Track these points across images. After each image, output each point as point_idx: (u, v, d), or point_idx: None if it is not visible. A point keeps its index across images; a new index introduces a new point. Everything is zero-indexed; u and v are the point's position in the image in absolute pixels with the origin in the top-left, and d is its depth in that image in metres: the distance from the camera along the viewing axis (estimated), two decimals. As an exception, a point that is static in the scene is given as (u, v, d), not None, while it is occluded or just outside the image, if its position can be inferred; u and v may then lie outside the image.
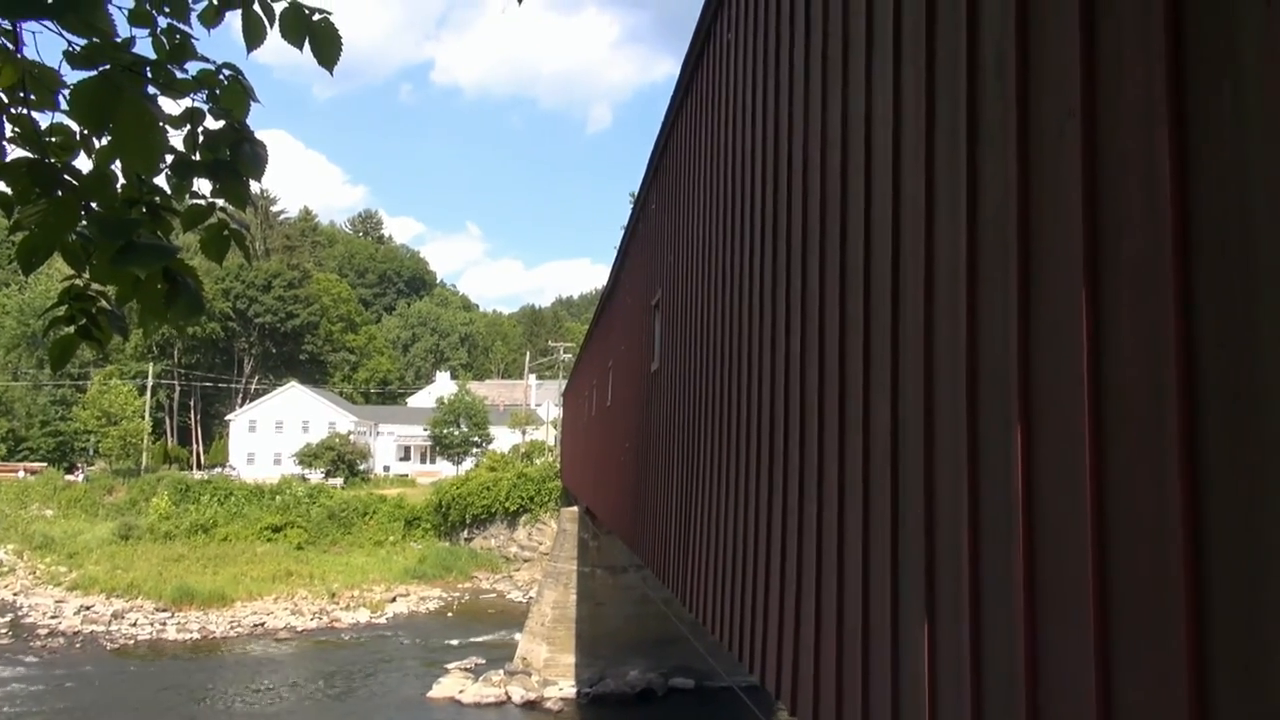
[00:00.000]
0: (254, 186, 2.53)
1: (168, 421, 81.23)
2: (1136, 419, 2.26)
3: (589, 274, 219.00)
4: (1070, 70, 2.55)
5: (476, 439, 69.06)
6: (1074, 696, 2.43)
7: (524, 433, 66.97)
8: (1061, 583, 2.53)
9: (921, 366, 3.51)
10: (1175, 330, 2.10)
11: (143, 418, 66.10)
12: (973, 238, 3.14)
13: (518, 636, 24.67)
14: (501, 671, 22.64)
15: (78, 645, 27.44)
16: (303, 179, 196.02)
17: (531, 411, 73.64)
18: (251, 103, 2.44)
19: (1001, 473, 2.86)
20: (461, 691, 21.56)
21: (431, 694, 21.60)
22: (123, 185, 2.35)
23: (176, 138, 2.33)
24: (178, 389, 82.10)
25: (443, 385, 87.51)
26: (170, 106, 2.36)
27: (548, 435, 62.70)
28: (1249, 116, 1.92)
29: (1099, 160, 2.44)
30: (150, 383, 72.92)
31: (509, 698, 21.30)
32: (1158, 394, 2.16)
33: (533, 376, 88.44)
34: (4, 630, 29.29)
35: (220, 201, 2.38)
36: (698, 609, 8.15)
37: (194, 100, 2.34)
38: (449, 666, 23.60)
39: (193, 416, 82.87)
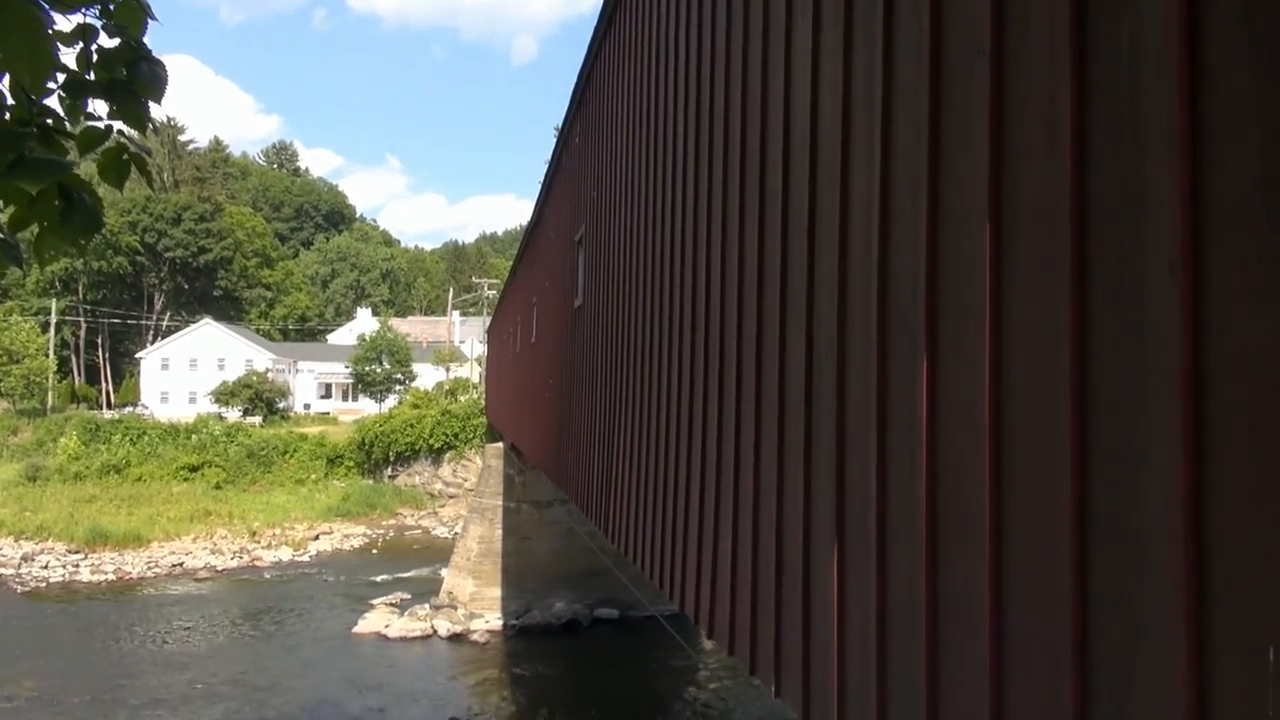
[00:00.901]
0: (157, 112, 2.43)
1: (74, 360, 78.23)
2: (1032, 353, 2.36)
3: (514, 209, 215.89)
4: (980, 10, 2.60)
5: (399, 376, 68.21)
6: (970, 617, 2.57)
7: (448, 370, 66.39)
8: (961, 509, 2.65)
9: (835, 301, 3.59)
10: (1071, 266, 2.19)
11: (47, 356, 63.47)
12: (886, 173, 3.20)
13: (444, 572, 24.77)
14: (427, 606, 22.76)
15: (-14, 589, 26.67)
16: (212, 107, 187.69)
17: (455, 348, 72.93)
18: (149, 21, 2.33)
19: (908, 402, 2.97)
20: (387, 626, 21.63)
21: (357, 629, 21.63)
22: (12, 106, 2.24)
23: (69, 56, 2.22)
24: (84, 326, 78.94)
25: (364, 322, 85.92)
26: (62, 24, 2.25)
27: (472, 372, 62.28)
28: (1145, 55, 1.99)
29: (1005, 99, 2.50)
30: (54, 319, 69.93)
31: (435, 631, 21.45)
32: (1053, 329, 2.26)
33: (456, 313, 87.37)
34: (-95, 575, 28.28)
35: (118, 124, 2.28)
36: (621, 541, 8.30)
37: (86, 16, 2.23)
38: (374, 602, 23.62)
39: (101, 354, 79.94)
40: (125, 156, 2.31)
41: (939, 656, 2.74)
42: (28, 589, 26.70)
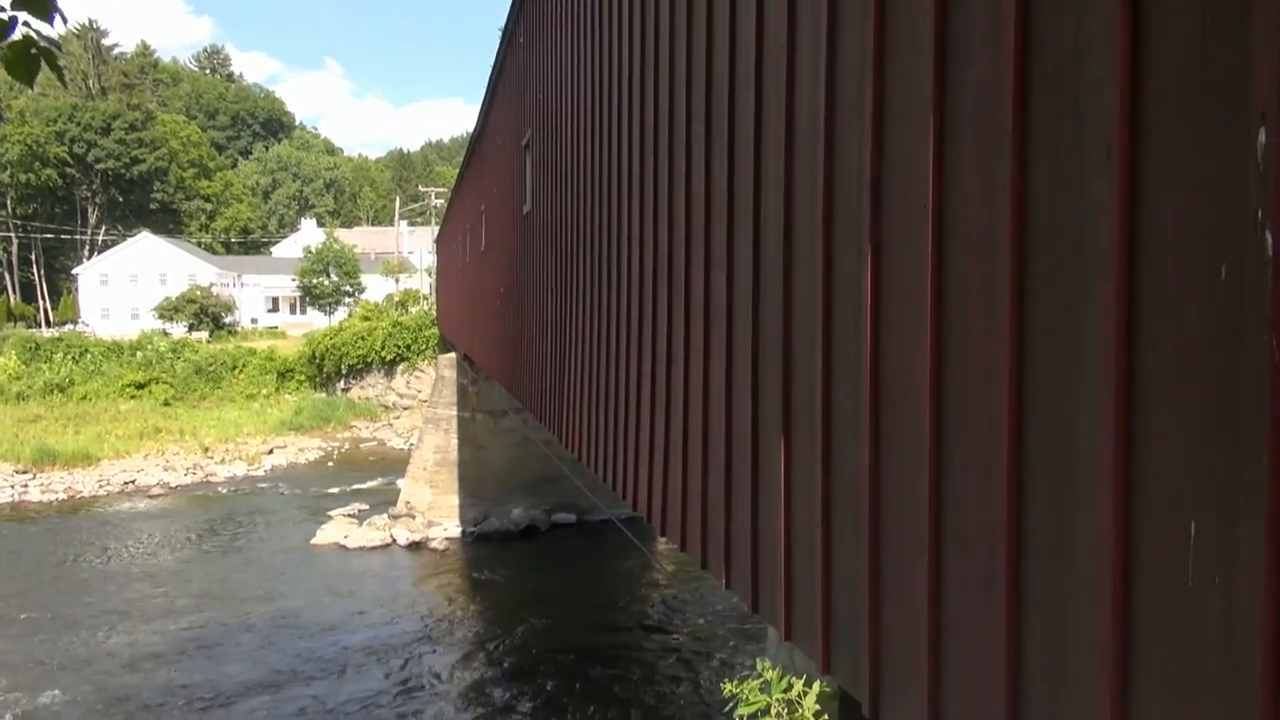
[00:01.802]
0: (76, 12, 2.29)
1: (7, 277, 75.77)
2: (974, 247, 2.38)
3: (460, 115, 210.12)
4: (927, -110, 2.53)
5: (348, 289, 67.19)
6: (912, 503, 2.65)
7: (397, 281, 65.51)
8: (905, 400, 2.71)
9: (782, 204, 3.57)
10: (1011, 156, 2.19)
11: (-22, 273, 61.34)
12: (831, 76, 3.15)
13: (400, 482, 24.88)
14: (385, 516, 22.91)
15: (-69, 512, 26.27)
16: (138, 9, 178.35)
17: (404, 259, 71.84)
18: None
19: (853, 299, 2.99)
20: (346, 537, 21.78)
21: (315, 541, 21.75)
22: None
23: (-36, -58, 2.07)
24: (15, 241, 76.20)
25: (309, 234, 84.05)
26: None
27: (422, 283, 61.53)
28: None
29: (951, -14, 2.46)
30: (-18, 235, 67.35)
31: (394, 540, 21.65)
32: (993, 220, 2.27)
33: (404, 223, 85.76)
34: None
35: (24, 15, 2.15)
36: (575, 447, 8.38)
37: (-20, -103, 2.07)
38: (332, 514, 23.72)
39: (36, 271, 77.47)
40: (34, 50, 2.18)
41: (881, 542, 2.83)
42: (-24, 510, 26.36)
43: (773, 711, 3.30)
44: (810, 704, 3.15)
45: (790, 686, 3.28)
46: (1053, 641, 2.08)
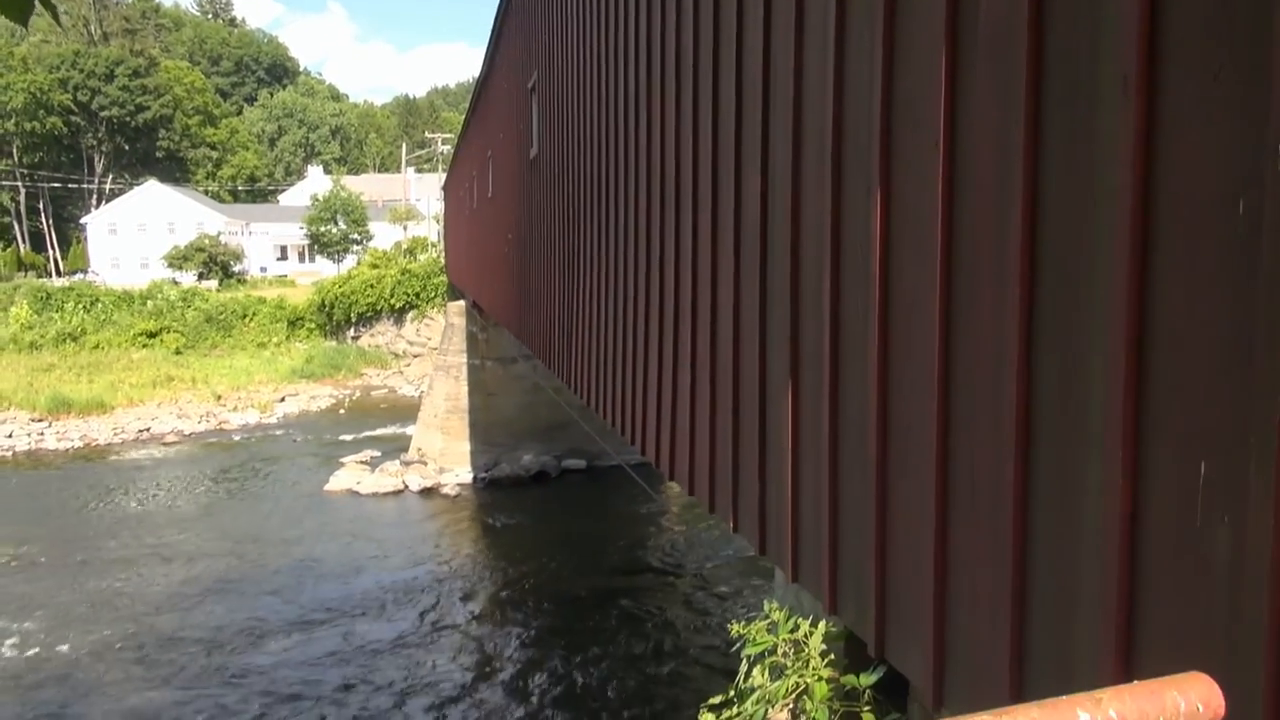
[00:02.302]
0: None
1: (16, 227, 75.76)
2: (985, 185, 2.33)
3: (466, 59, 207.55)
4: None
5: (356, 236, 67.01)
6: (919, 438, 2.64)
7: (405, 228, 65.25)
8: (912, 341, 2.68)
9: (790, 145, 3.51)
10: (1025, 89, 2.13)
11: (-13, 223, 61.37)
12: (842, 14, 3.07)
13: (411, 429, 25.04)
14: (398, 462, 23.11)
15: (-49, 460, 26.61)
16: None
17: (411, 206, 71.46)
18: None
19: (862, 238, 2.95)
20: (359, 483, 21.99)
21: (329, 487, 21.98)
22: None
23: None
24: (23, 191, 76.06)
25: (316, 181, 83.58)
26: None
27: (430, 230, 61.30)
28: None
29: (965, -87, 2.38)
30: (-10, 184, 67.22)
31: (406, 486, 21.86)
32: (1005, 155, 2.22)
33: (411, 170, 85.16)
34: None
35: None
36: (584, 393, 8.39)
37: None
38: (344, 460, 23.92)
39: (45, 220, 77.41)
40: (25, -12, 2.14)
41: (888, 485, 2.82)
42: (-7, 458, 26.71)
43: (779, 652, 3.34)
44: (816, 644, 3.18)
45: (797, 627, 3.31)
46: (1059, 581, 2.08)
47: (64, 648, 13.18)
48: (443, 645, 13.20)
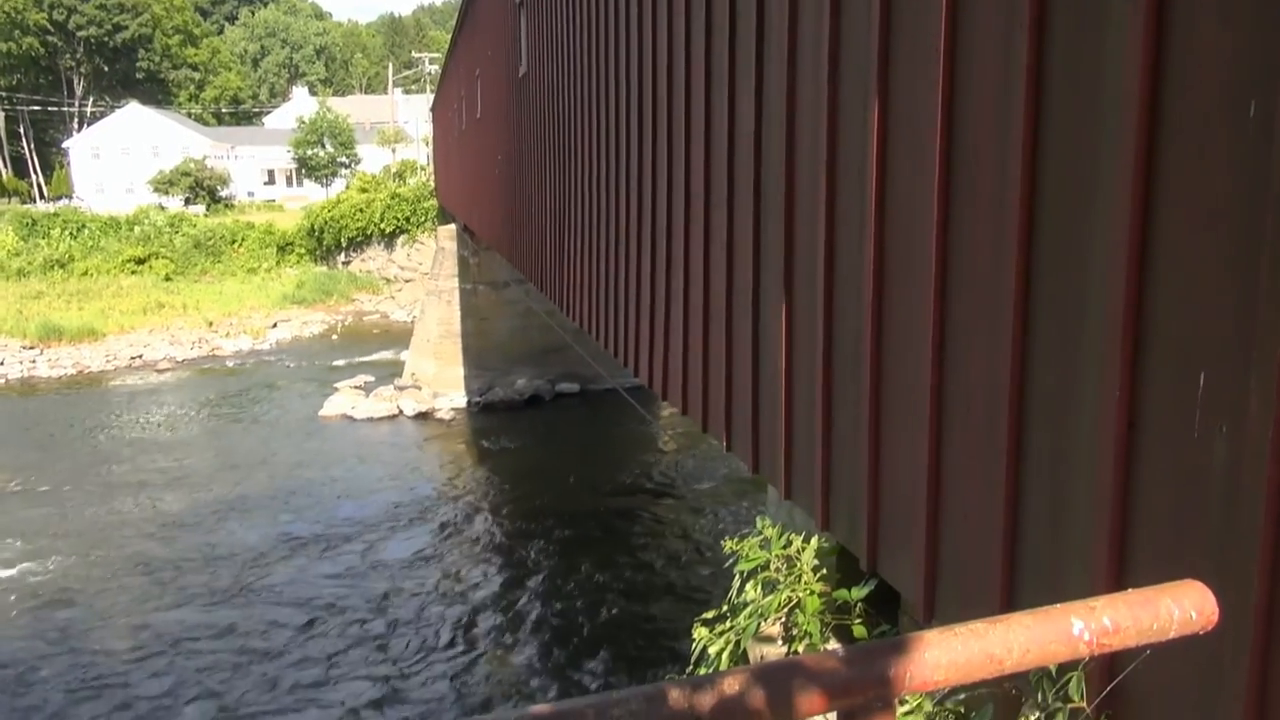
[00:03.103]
0: None
1: (-3, 151, 74.44)
2: (986, 93, 2.26)
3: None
4: None
5: (344, 160, 65.98)
6: (914, 353, 2.61)
7: (394, 151, 64.23)
8: (909, 256, 2.64)
9: (785, 51, 3.40)
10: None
11: (-34, 148, 60.22)
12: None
13: (404, 354, 25.03)
14: (392, 388, 23.13)
15: (-57, 388, 26.59)
16: None
17: (400, 129, 70.23)
18: None
19: (859, 150, 2.88)
20: (354, 408, 22.04)
21: (324, 412, 22.03)
22: None
23: None
24: (2, 114, 74.49)
25: (301, 103, 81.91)
26: None
27: (419, 153, 60.37)
28: None
29: None
30: (-33, 108, 65.78)
31: (401, 411, 21.93)
32: (1008, 66, 2.15)
33: (398, 91, 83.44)
34: None
35: None
36: (578, 315, 8.35)
37: None
38: (338, 386, 23.94)
39: (26, 144, 75.99)
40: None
41: (882, 401, 2.81)
42: (-14, 386, 26.68)
43: (772, 567, 3.37)
44: (808, 559, 3.21)
45: (789, 543, 3.33)
46: (1053, 492, 2.08)
47: (77, 570, 13.35)
48: (445, 562, 13.43)
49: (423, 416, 21.76)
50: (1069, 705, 1.93)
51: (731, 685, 1.15)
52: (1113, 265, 1.83)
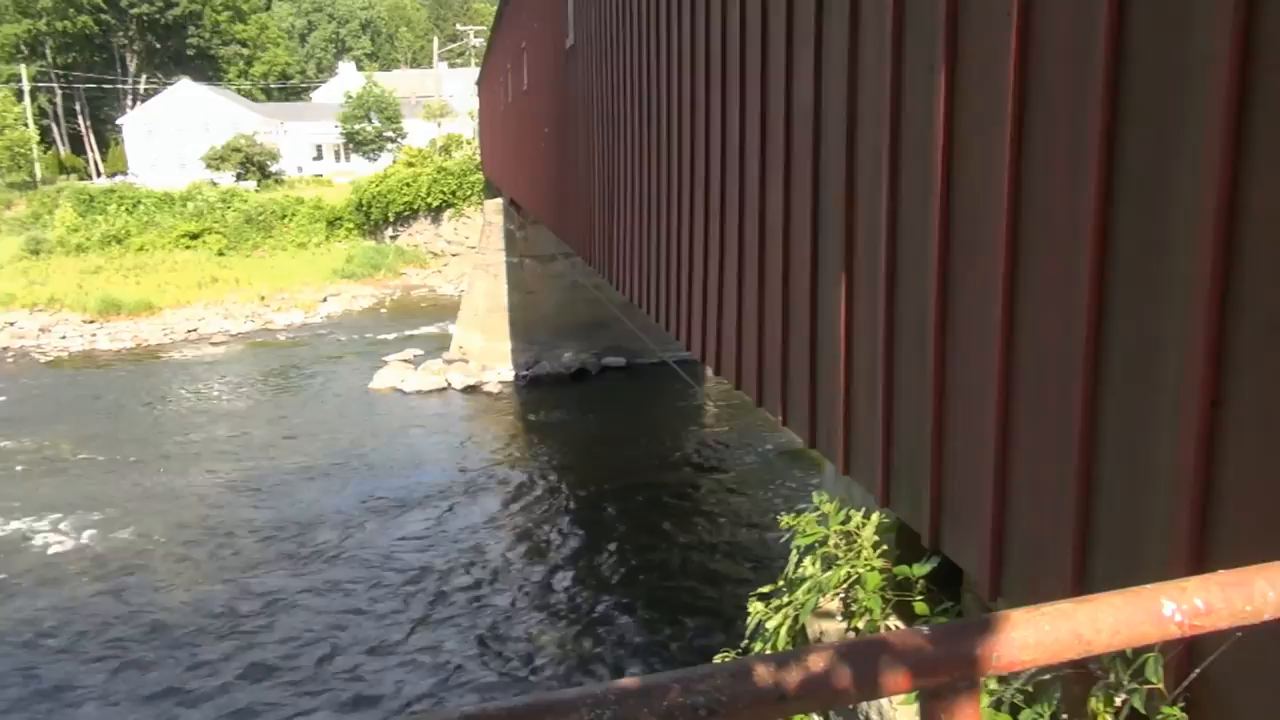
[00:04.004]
0: None
1: (55, 129, 76.02)
2: (1063, 55, 2.19)
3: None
4: None
5: (390, 134, 66.41)
6: (981, 325, 2.56)
7: (439, 125, 64.44)
8: (977, 229, 2.57)
9: (847, 13, 3.33)
10: (1113, -52, 1.97)
11: (26, 125, 61.60)
12: None
13: (452, 328, 25.23)
14: (440, 361, 23.36)
15: (9, 359, 27.33)
16: None
17: (445, 102, 70.40)
18: None
19: (923, 120, 2.81)
20: (404, 381, 22.30)
21: (374, 385, 22.33)
22: None
23: None
24: (59, 93, 76.02)
25: (348, 78, 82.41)
26: None
27: (464, 127, 60.50)
28: None
29: None
30: (26, 86, 67.24)
31: (449, 384, 22.14)
32: (1087, 20, 2.07)
33: (443, 65, 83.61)
34: (-73, 350, 28.99)
35: None
36: (627, 288, 8.33)
37: None
38: (388, 359, 24.23)
39: (82, 122, 77.51)
40: None
41: (947, 374, 2.76)
42: (49, 358, 27.40)
43: (830, 543, 3.34)
44: (869, 535, 3.18)
45: (848, 519, 3.30)
46: (1130, 468, 2.02)
47: (138, 538, 13.73)
48: (499, 535, 13.65)
49: (471, 390, 21.96)
50: (1145, 687, 1.88)
51: (817, 662, 1.13)
52: (1199, 228, 1.77)
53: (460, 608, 11.26)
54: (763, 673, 1.12)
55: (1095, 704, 2.08)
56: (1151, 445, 1.95)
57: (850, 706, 3.06)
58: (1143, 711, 1.90)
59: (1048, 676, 2.29)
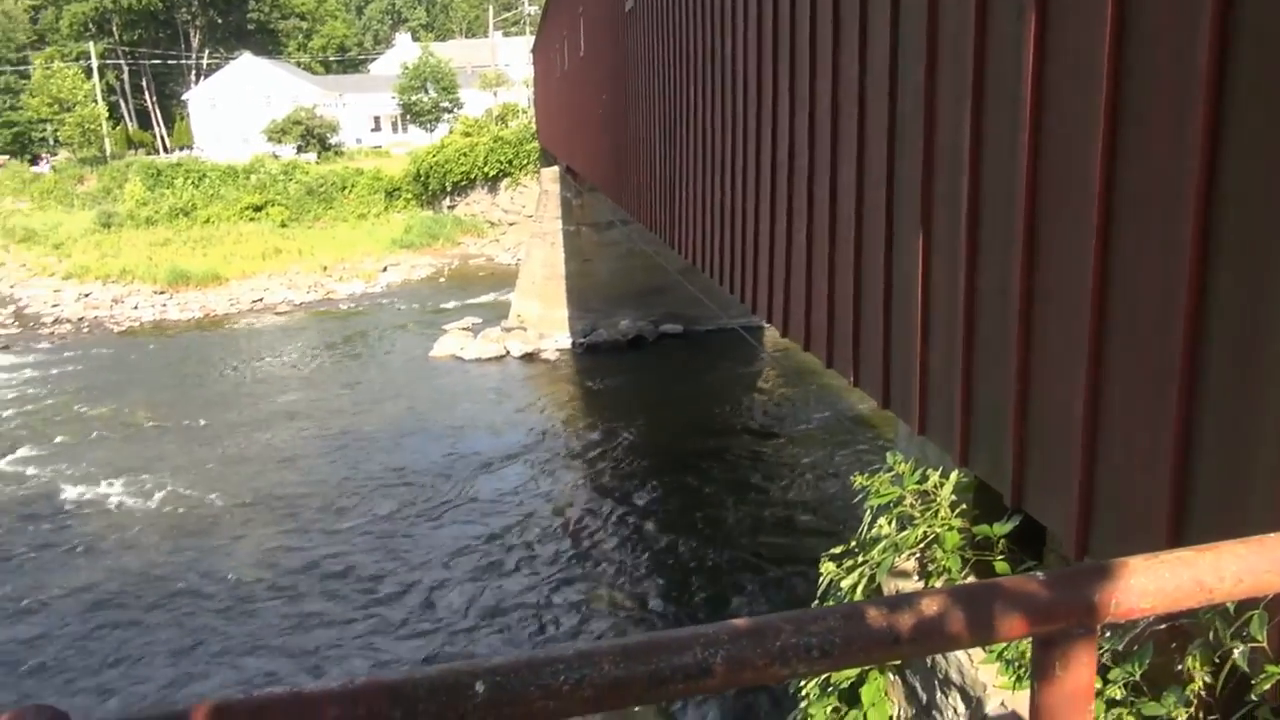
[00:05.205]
0: None
1: (123, 105, 77.82)
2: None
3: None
4: None
5: (447, 104, 66.68)
6: (1071, 282, 2.48)
7: (495, 94, 64.54)
8: (1067, 185, 2.49)
9: (926, -38, 3.23)
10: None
11: (96, 102, 63.13)
12: None
13: (510, 296, 25.41)
14: (498, 329, 23.57)
15: (85, 330, 28.22)
16: None
17: (501, 72, 70.41)
18: None
19: (1010, 69, 2.72)
20: (463, 349, 22.57)
21: (434, 353, 22.64)
22: None
23: None
24: (126, 69, 77.73)
25: (404, 49, 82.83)
26: None
27: (520, 96, 60.49)
28: None
29: None
30: (95, 63, 68.83)
31: (508, 352, 22.35)
32: (1194, -44, 1.98)
33: (499, 34, 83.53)
34: (9, 320, 30.02)
35: None
36: (689, 252, 8.28)
37: None
38: (447, 328, 24.51)
39: (148, 98, 79.21)
40: None
41: (1032, 327, 2.69)
42: (122, 328, 28.24)
43: (906, 502, 3.30)
44: (947, 494, 3.14)
45: (925, 478, 3.26)
46: (1234, 423, 1.96)
47: (210, 499, 14.19)
48: (560, 498, 13.90)
49: (529, 357, 22.14)
50: (1249, 645, 1.83)
51: (930, 606, 1.11)
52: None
53: (561, 562, 11.72)
54: (875, 616, 1.11)
55: (1192, 662, 2.04)
56: (1259, 397, 1.88)
57: (929, 663, 3.04)
58: (1246, 670, 1.84)
59: (1139, 630, 2.24)
